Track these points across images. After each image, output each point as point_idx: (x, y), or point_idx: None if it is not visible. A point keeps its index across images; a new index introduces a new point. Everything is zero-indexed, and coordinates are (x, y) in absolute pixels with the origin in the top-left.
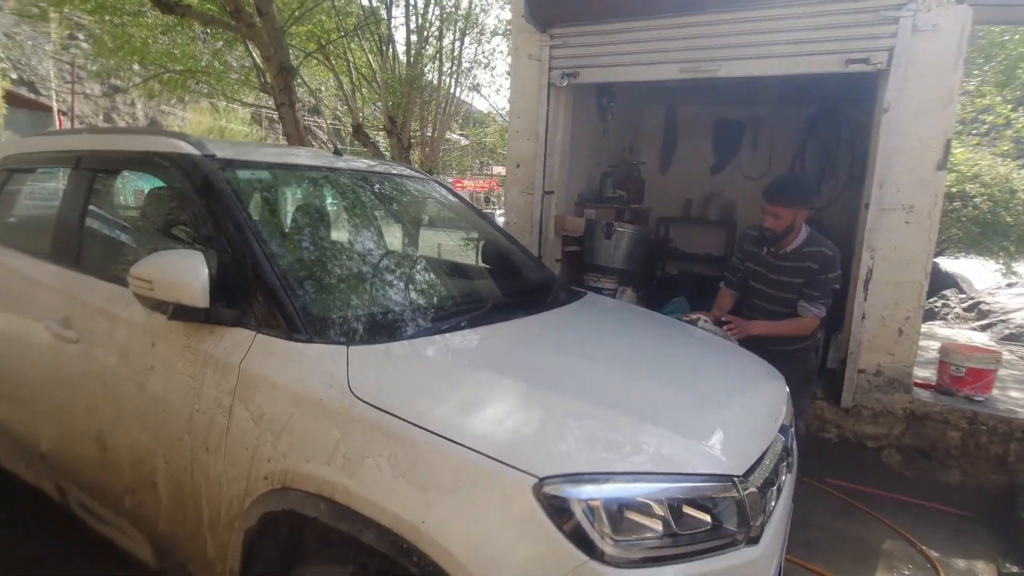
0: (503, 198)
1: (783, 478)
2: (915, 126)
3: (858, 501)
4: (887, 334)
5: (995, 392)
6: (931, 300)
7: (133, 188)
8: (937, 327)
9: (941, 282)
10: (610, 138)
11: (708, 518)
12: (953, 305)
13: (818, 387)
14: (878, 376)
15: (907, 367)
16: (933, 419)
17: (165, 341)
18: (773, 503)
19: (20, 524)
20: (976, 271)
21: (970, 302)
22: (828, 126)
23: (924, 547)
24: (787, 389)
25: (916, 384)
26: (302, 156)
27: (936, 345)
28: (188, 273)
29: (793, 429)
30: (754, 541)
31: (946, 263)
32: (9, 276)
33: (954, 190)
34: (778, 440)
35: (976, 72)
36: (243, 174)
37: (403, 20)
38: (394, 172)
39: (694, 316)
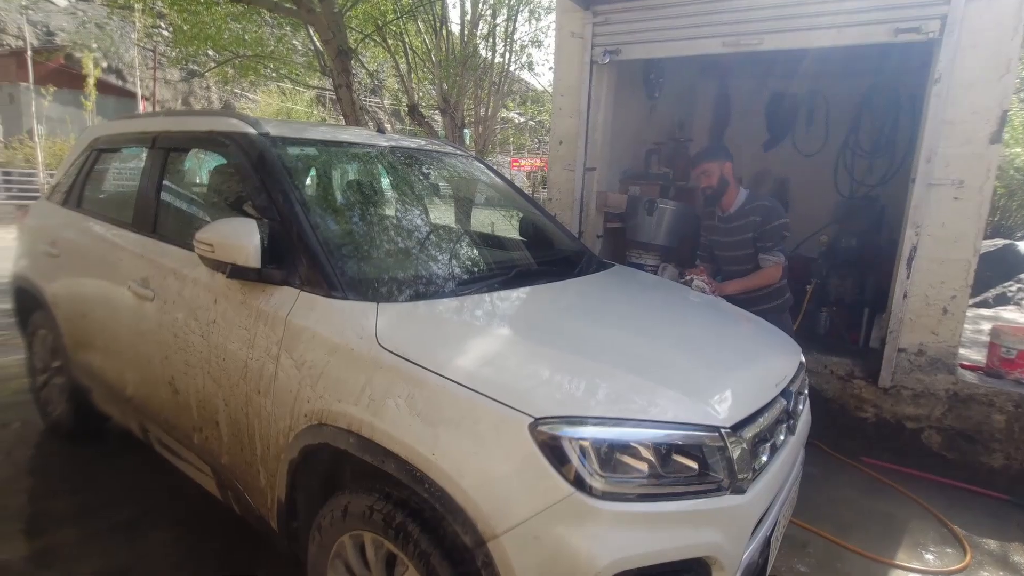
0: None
1: (781, 438)
2: (968, 97)
3: (894, 481)
4: (931, 313)
5: None
6: (1005, 284)
7: (207, 169)
8: (1007, 312)
9: (1019, 265)
10: (658, 115)
11: (695, 464)
12: None
13: (855, 366)
14: (920, 356)
15: (951, 347)
16: (978, 401)
17: (225, 298)
18: (765, 458)
19: (114, 456)
20: None
21: None
22: (885, 100)
23: (956, 527)
24: (801, 359)
25: (962, 366)
26: (347, 134)
27: None
28: (243, 237)
29: (802, 396)
30: (740, 491)
31: None
32: (100, 243)
33: None
34: (778, 402)
35: None
36: (292, 150)
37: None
38: (432, 148)
39: (688, 276)
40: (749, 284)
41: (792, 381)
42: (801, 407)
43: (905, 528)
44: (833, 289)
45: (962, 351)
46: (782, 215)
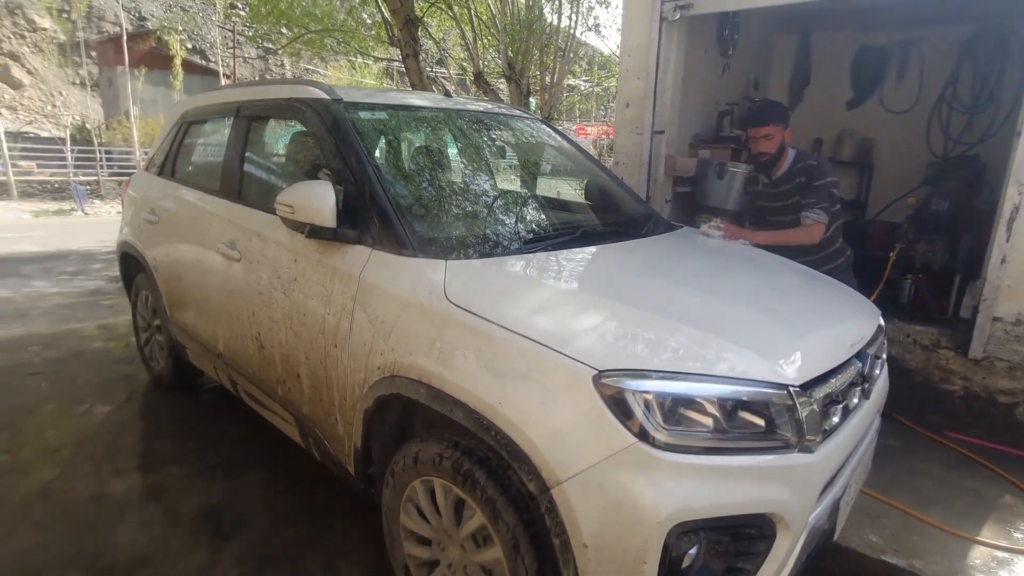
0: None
1: (855, 401)
2: None
3: (982, 458)
4: None
5: None
6: None
7: (283, 141)
8: None
9: None
10: (731, 74)
11: (761, 422)
12: None
13: (942, 335)
14: (1018, 325)
15: None
16: None
17: (304, 257)
18: (836, 420)
19: (209, 406)
20: None
21: None
22: (989, 48)
23: None
24: (880, 321)
25: None
26: (415, 98)
27: None
28: (319, 198)
29: (879, 360)
30: (808, 450)
31: None
32: (192, 210)
33: None
34: (852, 364)
35: None
36: (364, 115)
37: None
38: (498, 111)
39: (708, 224)
40: (782, 238)
41: (869, 344)
42: (878, 371)
43: (993, 505)
44: (920, 255)
45: None
46: (829, 173)
